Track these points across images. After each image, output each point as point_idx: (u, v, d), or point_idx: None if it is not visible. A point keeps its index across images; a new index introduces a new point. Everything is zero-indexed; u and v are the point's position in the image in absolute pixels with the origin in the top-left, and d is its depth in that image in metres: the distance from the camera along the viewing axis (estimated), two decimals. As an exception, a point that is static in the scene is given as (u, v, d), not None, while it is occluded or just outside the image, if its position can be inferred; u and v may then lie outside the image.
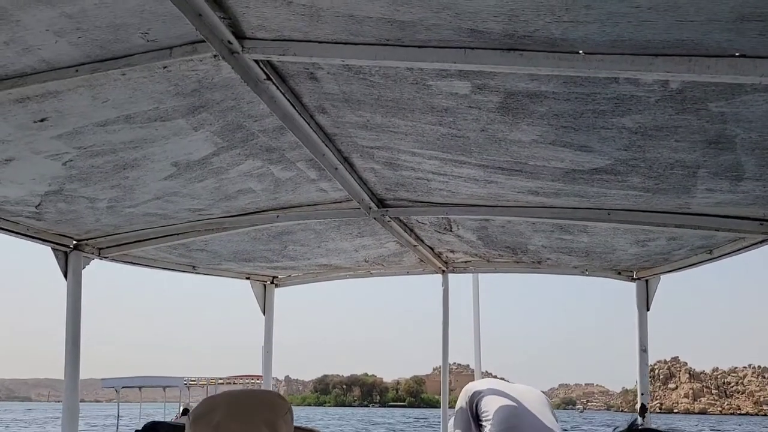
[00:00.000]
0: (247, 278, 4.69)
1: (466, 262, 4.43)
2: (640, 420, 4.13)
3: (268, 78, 1.78)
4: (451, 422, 4.54)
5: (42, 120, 1.93)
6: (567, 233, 3.20)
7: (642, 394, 4.18)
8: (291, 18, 1.48)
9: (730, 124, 1.65)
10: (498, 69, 1.51)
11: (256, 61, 1.69)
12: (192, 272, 4.17)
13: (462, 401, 4.15)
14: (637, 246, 3.28)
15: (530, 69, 1.46)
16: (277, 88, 1.84)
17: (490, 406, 3.95)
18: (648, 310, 4.14)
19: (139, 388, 27.81)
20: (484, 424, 3.96)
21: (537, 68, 1.45)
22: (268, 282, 4.81)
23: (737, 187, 2.13)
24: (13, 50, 1.61)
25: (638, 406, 4.16)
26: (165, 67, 1.69)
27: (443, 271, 4.55)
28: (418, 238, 3.70)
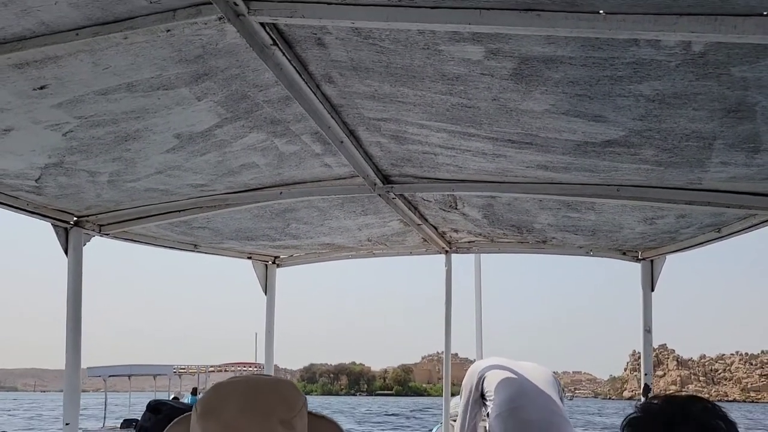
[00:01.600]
0: (249, 258, 4.66)
1: (469, 242, 4.39)
2: (643, 400, 4.11)
3: (275, 43, 1.73)
4: (454, 402, 4.53)
5: (42, 87, 1.88)
6: (574, 211, 3.16)
7: (646, 375, 4.17)
8: (300, -23, 1.42)
9: (752, 91, 1.60)
10: (514, 31, 1.46)
11: (263, 25, 1.63)
12: (193, 251, 4.13)
13: (468, 381, 4.11)
14: (645, 224, 3.24)
15: (548, 30, 1.41)
16: (284, 54, 1.78)
17: (494, 385, 3.91)
18: (653, 291, 4.12)
19: (128, 376, 27.44)
20: (488, 402, 3.93)
21: (555, 29, 1.40)
22: (270, 262, 4.77)
23: (753, 160, 2.09)
24: (11, 12, 1.55)
25: (642, 386, 4.15)
26: (168, 31, 1.64)
27: (446, 251, 4.52)
28: (422, 216, 3.66)
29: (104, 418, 24.43)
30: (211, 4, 1.52)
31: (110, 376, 26.38)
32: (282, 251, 4.64)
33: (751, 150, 1.98)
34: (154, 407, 3.10)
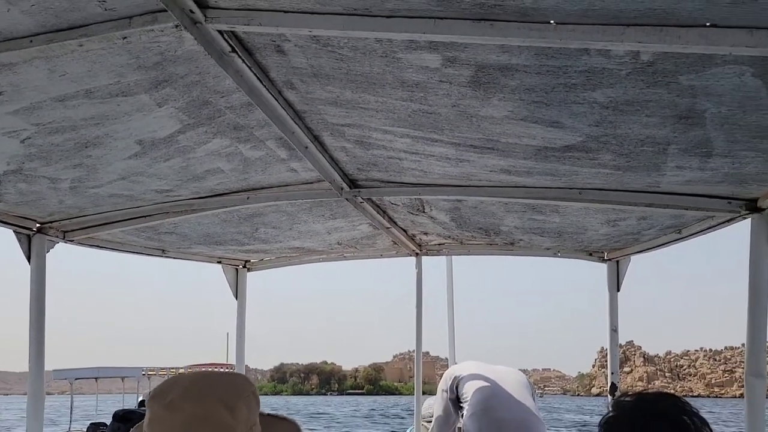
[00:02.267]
0: (219, 262, 4.63)
1: (439, 244, 4.42)
2: (610, 398, 4.19)
3: (234, 50, 1.73)
4: (427, 403, 4.56)
5: (-3, 94, 1.85)
6: (539, 213, 3.20)
7: (612, 374, 4.23)
8: (255, -15, 1.43)
9: (700, 98, 1.64)
10: (468, 40, 1.48)
11: (220, 32, 1.63)
12: (161, 256, 4.09)
13: (443, 385, 4.19)
14: (608, 226, 3.30)
15: (501, 40, 1.44)
16: (243, 61, 1.79)
17: (469, 388, 3.99)
18: (618, 290, 4.18)
19: (95, 379, 26.66)
20: (463, 405, 4.00)
21: (507, 39, 1.42)
22: (240, 266, 4.75)
23: (706, 164, 2.14)
24: (-38, 19, 1.53)
25: (609, 385, 4.22)
26: (125, 38, 1.63)
27: (417, 253, 4.54)
28: (391, 219, 3.67)
29: (70, 421, 23.76)
30: (167, 11, 1.51)
31: (76, 378, 25.52)
32: (252, 255, 4.62)
33: (704, 155, 2.04)
34: (122, 416, 3.03)
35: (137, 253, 3.97)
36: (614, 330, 4.19)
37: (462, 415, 3.98)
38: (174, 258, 4.25)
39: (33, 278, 3.09)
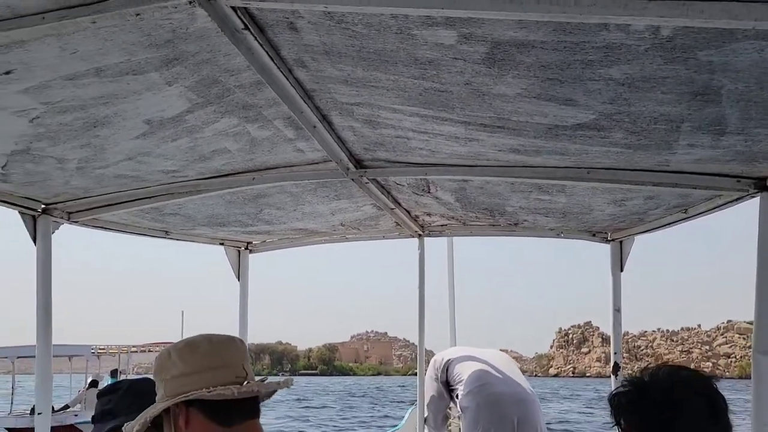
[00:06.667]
0: (221, 244, 4.63)
1: (442, 225, 4.42)
2: (613, 378, 4.23)
3: (246, 27, 1.71)
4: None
5: (7, 72, 1.83)
6: (545, 193, 3.20)
7: (615, 353, 4.26)
8: (271, -40, 1.41)
9: (718, 74, 1.64)
10: (486, 15, 1.46)
11: (234, 9, 1.62)
12: (164, 237, 4.09)
13: (432, 371, 4.27)
14: (614, 206, 3.30)
15: (520, 15, 1.42)
16: (255, 38, 1.77)
17: (462, 371, 4.08)
18: (621, 271, 4.20)
19: None
20: (456, 387, 4.07)
21: (527, 14, 1.41)
22: (243, 248, 4.75)
23: (719, 142, 2.14)
24: (-27, -6, 1.51)
25: (612, 364, 4.25)
26: (137, 15, 1.61)
27: (419, 234, 4.54)
28: (395, 200, 3.67)
29: (11, 403, 22.31)
30: (181, -13, 1.49)
31: (19, 357, 22.43)
32: (255, 237, 4.62)
33: (717, 132, 2.03)
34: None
35: (141, 234, 3.97)
36: (617, 310, 4.22)
37: (457, 395, 4.05)
38: (177, 239, 4.25)
39: (39, 259, 3.09)
